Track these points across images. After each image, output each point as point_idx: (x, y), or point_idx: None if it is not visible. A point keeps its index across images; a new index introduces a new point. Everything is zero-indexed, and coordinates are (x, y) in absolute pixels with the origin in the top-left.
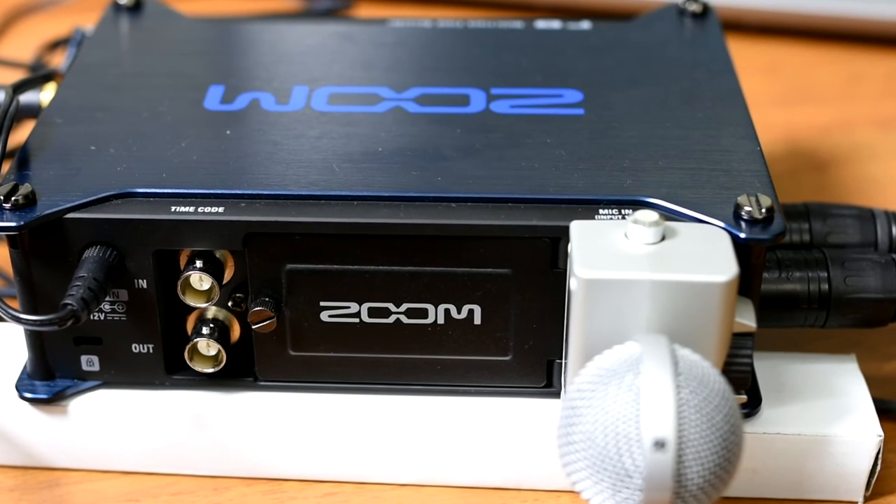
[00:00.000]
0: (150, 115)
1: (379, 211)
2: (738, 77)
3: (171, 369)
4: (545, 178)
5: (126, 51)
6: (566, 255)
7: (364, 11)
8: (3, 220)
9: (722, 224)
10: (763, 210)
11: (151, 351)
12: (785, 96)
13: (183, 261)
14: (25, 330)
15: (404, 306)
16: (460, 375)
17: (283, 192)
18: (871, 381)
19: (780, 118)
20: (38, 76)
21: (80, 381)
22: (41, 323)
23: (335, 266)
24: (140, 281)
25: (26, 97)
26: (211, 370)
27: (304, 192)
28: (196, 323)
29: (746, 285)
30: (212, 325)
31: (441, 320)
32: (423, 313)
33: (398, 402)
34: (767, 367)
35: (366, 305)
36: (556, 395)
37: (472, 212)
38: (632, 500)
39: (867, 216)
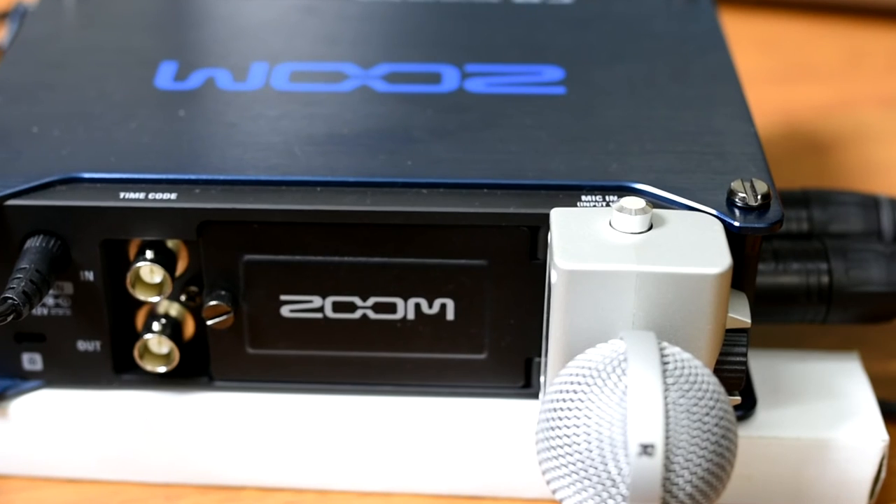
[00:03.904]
0: (97, 95)
1: (344, 198)
2: (731, 53)
3: (120, 368)
4: (523, 162)
5: (71, 25)
6: (546, 244)
7: None
8: None
9: (714, 212)
10: (758, 196)
11: (98, 349)
12: (782, 74)
13: (132, 251)
14: None
15: (371, 300)
16: (432, 375)
17: (240, 178)
18: (876, 381)
19: (777, 97)
20: None
21: (22, 380)
22: None
23: (297, 257)
24: (86, 273)
25: None
26: (163, 369)
27: (263, 178)
28: (147, 318)
29: (741, 278)
30: (164, 321)
31: (411, 315)
32: (392, 308)
33: (365, 404)
34: (763, 366)
35: (330, 299)
36: (535, 395)
37: (445, 198)
38: None
39: (870, 203)
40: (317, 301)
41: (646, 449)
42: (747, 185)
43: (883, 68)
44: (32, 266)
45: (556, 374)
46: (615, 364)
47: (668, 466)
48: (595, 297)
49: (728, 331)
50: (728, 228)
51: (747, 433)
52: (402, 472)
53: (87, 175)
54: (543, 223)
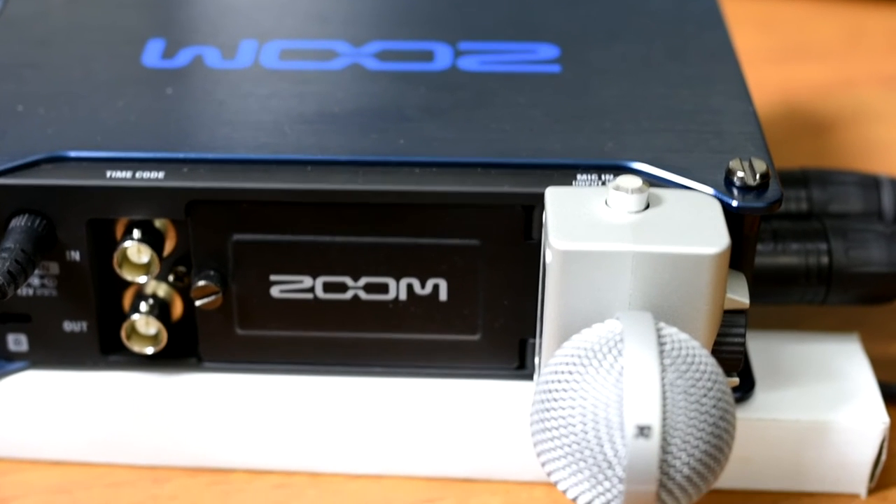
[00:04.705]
0: (83, 73)
1: (335, 176)
2: (729, 31)
3: (107, 349)
4: (518, 141)
5: (57, 3)
6: (541, 224)
7: None
8: None
9: (712, 191)
10: (757, 176)
11: (85, 329)
12: (781, 53)
13: (119, 231)
14: None
15: (363, 280)
16: (424, 356)
17: (229, 156)
18: (876, 363)
19: (776, 77)
20: None
21: (7, 361)
22: None
23: (287, 237)
24: (72, 253)
25: None
26: (150, 351)
27: (252, 156)
28: (134, 299)
29: (739, 258)
30: (151, 302)
31: (403, 296)
32: (384, 288)
33: (356, 386)
34: (762, 348)
35: (320, 280)
36: (530, 377)
37: (438, 177)
38: (613, 492)
39: (871, 183)
40: (307, 281)
41: (642, 430)
42: (746, 164)
43: (883, 47)
44: (17, 246)
45: (550, 355)
46: (611, 345)
47: (665, 448)
48: (591, 277)
49: (726, 312)
50: (726, 208)
51: (746, 415)
52: (394, 454)
53: (73, 154)
54: (538, 202)
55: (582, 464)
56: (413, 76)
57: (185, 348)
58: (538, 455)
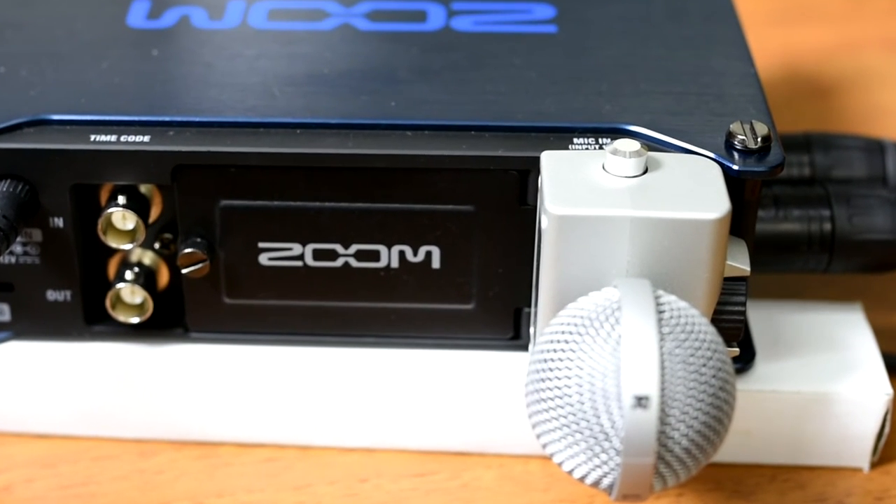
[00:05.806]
0: (67, 34)
1: (325, 140)
2: None
3: (92, 319)
4: (513, 104)
5: None
6: (536, 189)
7: None
8: None
9: (712, 154)
10: (759, 139)
11: (69, 298)
12: (782, 15)
13: (104, 196)
14: None
15: (353, 248)
16: (417, 326)
17: (216, 119)
18: (879, 333)
19: (778, 40)
20: None
21: None
22: None
23: (276, 202)
24: (56, 219)
25: None
26: (136, 320)
27: (240, 119)
28: (119, 267)
29: (740, 224)
30: (137, 270)
31: (395, 264)
32: (375, 256)
33: (347, 356)
34: (762, 318)
35: (310, 247)
36: (525, 347)
37: (430, 141)
38: (610, 465)
39: (875, 148)
40: (296, 249)
41: (640, 401)
42: (747, 127)
43: (887, 10)
44: None
45: (546, 324)
46: (608, 313)
47: (663, 419)
48: (587, 243)
49: (726, 279)
50: (727, 172)
51: (746, 386)
52: (386, 427)
53: (56, 117)
54: (533, 167)
55: (578, 436)
56: (405, 37)
57: (171, 318)
58: (533, 427)
